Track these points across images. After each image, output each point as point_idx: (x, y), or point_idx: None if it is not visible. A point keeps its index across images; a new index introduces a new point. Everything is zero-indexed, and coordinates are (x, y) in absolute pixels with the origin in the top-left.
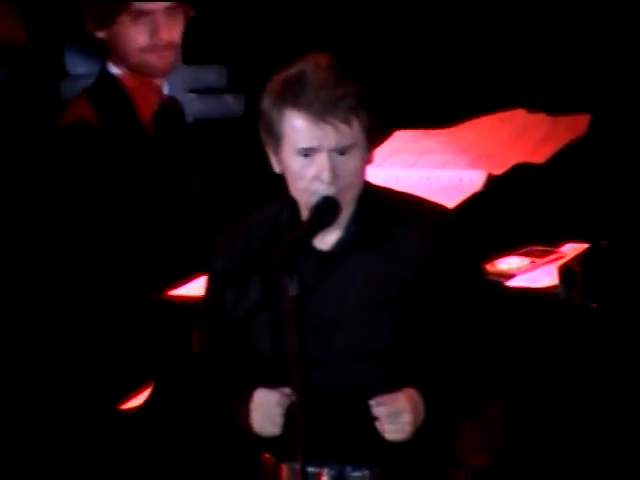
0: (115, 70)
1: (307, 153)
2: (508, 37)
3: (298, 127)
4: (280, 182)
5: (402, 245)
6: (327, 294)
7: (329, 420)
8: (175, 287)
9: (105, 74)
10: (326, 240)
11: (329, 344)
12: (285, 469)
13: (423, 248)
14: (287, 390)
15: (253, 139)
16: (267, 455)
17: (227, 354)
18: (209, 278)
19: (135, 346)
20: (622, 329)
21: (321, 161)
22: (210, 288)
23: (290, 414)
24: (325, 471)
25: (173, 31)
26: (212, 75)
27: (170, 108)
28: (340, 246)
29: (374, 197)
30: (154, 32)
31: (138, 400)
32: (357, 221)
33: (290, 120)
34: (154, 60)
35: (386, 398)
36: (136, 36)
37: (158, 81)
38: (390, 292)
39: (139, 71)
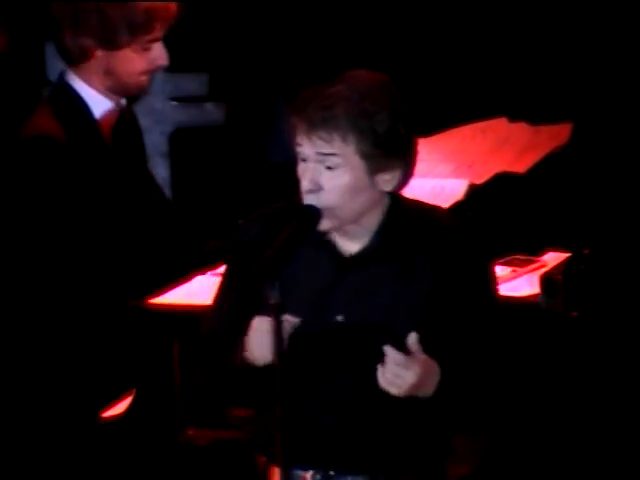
0: (76, 81)
1: (302, 159)
2: (489, 47)
3: (297, 134)
4: (260, 190)
5: (421, 258)
6: (343, 300)
7: (323, 426)
8: (155, 295)
9: (63, 85)
10: (350, 248)
11: (337, 349)
12: (277, 472)
13: (439, 259)
14: (288, 317)
15: (234, 147)
16: (261, 457)
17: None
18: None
19: (116, 354)
20: (603, 338)
21: (304, 169)
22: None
23: (286, 416)
24: (310, 474)
25: (166, 54)
26: (193, 83)
27: (127, 117)
28: (362, 254)
29: (401, 209)
30: (157, 59)
31: (119, 408)
32: (382, 232)
33: (294, 126)
34: (146, 83)
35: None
36: (140, 62)
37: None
38: (406, 303)
39: (126, 92)
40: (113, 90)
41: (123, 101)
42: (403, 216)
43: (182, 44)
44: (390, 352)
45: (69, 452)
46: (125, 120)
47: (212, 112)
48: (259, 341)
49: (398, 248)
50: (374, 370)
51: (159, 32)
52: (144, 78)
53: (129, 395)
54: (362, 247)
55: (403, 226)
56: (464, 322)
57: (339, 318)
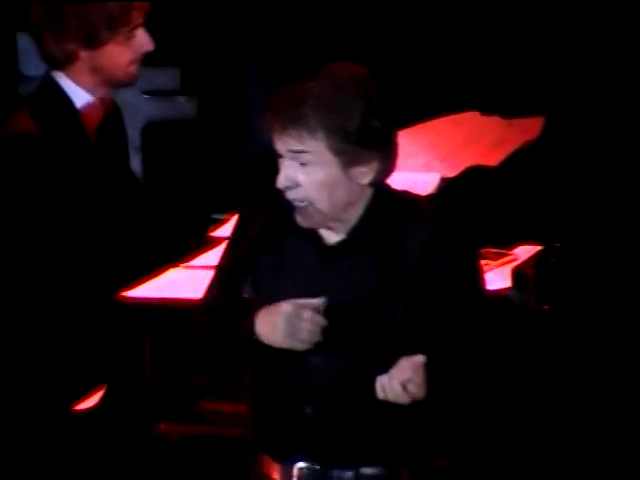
0: (63, 79)
1: (279, 156)
2: (461, 40)
3: (271, 131)
4: (232, 184)
5: (403, 249)
6: (326, 289)
7: (306, 415)
8: (127, 289)
9: (49, 85)
10: (334, 237)
11: (320, 340)
12: (279, 468)
13: (422, 248)
14: (298, 301)
15: (206, 141)
16: (264, 454)
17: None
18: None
19: (88, 348)
20: (575, 332)
21: (279, 165)
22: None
23: (287, 413)
24: (297, 467)
25: (149, 37)
26: (165, 77)
27: (112, 113)
28: (345, 243)
29: (385, 199)
30: (143, 45)
31: (91, 402)
32: (365, 221)
33: (269, 123)
34: (136, 70)
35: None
36: (127, 52)
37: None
38: (386, 294)
39: (116, 84)
40: (104, 85)
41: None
42: (386, 205)
43: (154, 38)
44: (403, 362)
45: (40, 445)
46: (110, 118)
47: (184, 106)
48: (269, 320)
49: (380, 236)
50: (356, 359)
51: (138, 20)
52: (132, 68)
53: (100, 389)
54: (345, 236)
55: (386, 215)
56: (449, 309)
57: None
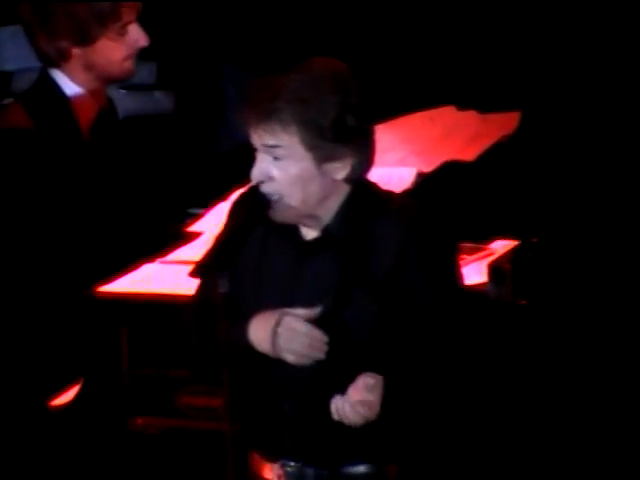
0: (59, 76)
1: (255, 149)
2: (437, 34)
3: (247, 125)
4: (209, 178)
5: (375, 248)
6: (303, 287)
7: (284, 414)
8: (104, 284)
9: (44, 80)
10: (310, 234)
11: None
12: (267, 466)
13: (396, 248)
14: (289, 310)
15: (183, 135)
16: (255, 453)
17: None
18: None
19: (64, 342)
20: (552, 327)
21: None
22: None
23: (267, 412)
24: (277, 466)
25: (144, 33)
26: (142, 72)
27: (107, 110)
28: (321, 239)
29: (362, 196)
30: (137, 40)
31: (67, 396)
32: (341, 217)
33: (245, 117)
34: (131, 66)
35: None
36: (120, 48)
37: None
38: (359, 290)
39: (112, 80)
40: (99, 81)
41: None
42: (363, 203)
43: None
44: (363, 378)
45: (17, 441)
46: (105, 115)
47: (161, 100)
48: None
49: (353, 234)
50: (330, 358)
51: (130, 15)
52: (127, 63)
53: (77, 383)
54: (320, 233)
55: (361, 213)
56: (420, 313)
57: (300, 305)
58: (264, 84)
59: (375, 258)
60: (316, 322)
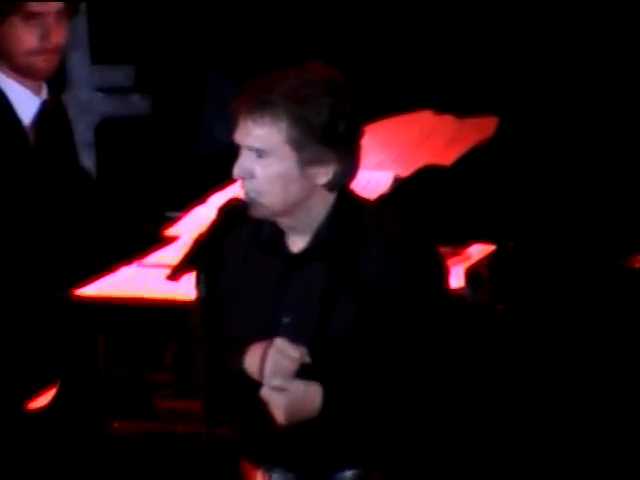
0: None
1: (238, 146)
2: (415, 38)
3: (236, 119)
4: (186, 181)
5: (359, 263)
6: (287, 298)
7: (267, 423)
8: (81, 287)
9: None
10: (297, 244)
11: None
12: (256, 473)
13: (380, 266)
14: (281, 342)
15: (160, 138)
16: (245, 460)
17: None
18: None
19: (41, 345)
20: (529, 331)
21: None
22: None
23: (259, 418)
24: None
25: (62, 34)
26: (119, 74)
27: (51, 108)
28: (306, 252)
29: (347, 207)
30: (45, 35)
31: (44, 400)
32: (325, 229)
33: (235, 110)
34: (40, 63)
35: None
36: (26, 38)
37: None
38: (342, 306)
39: (23, 73)
40: (13, 71)
41: (44, 93)
42: (349, 215)
43: (109, 36)
44: (265, 390)
45: None
46: (49, 112)
47: (138, 103)
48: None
49: (339, 247)
50: (316, 364)
51: (40, 6)
52: (37, 59)
53: (54, 387)
54: (307, 244)
55: (347, 225)
56: (398, 331)
57: (285, 320)
58: (261, 78)
59: (357, 273)
60: (302, 332)
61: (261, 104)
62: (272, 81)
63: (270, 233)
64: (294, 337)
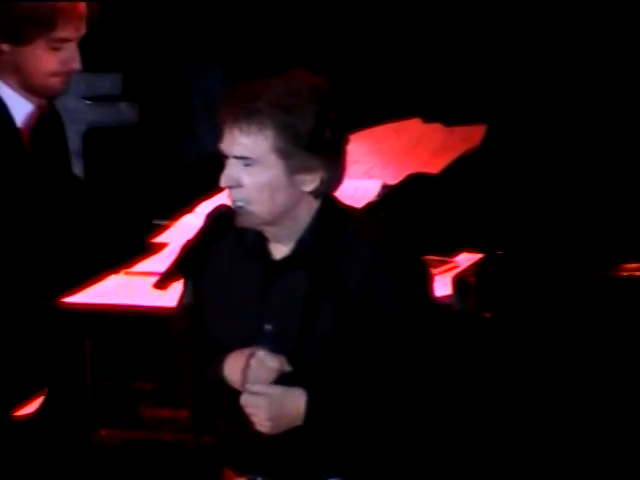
0: None
1: (225, 156)
2: (404, 46)
3: (222, 128)
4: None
5: (344, 267)
6: (269, 305)
7: (249, 431)
8: (68, 295)
9: None
10: (280, 250)
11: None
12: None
13: (363, 273)
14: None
15: (147, 147)
16: (228, 468)
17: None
18: None
19: (28, 353)
20: (516, 339)
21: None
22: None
23: (242, 426)
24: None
25: (79, 58)
26: (107, 83)
27: (48, 117)
28: (288, 258)
29: (331, 214)
30: (69, 60)
31: (31, 407)
32: (308, 235)
33: (221, 120)
34: (57, 85)
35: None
36: (48, 61)
37: None
38: (323, 314)
39: (35, 91)
40: (26, 89)
41: (43, 101)
42: (332, 222)
43: (96, 44)
44: (244, 396)
45: None
46: (46, 120)
47: (126, 112)
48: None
49: (322, 253)
50: (298, 379)
51: (69, 32)
52: (55, 80)
53: (41, 394)
54: (290, 251)
55: (331, 232)
56: (380, 340)
57: (268, 327)
58: (246, 87)
59: (340, 280)
60: (284, 339)
61: (247, 113)
62: (257, 90)
63: (254, 240)
64: (276, 345)
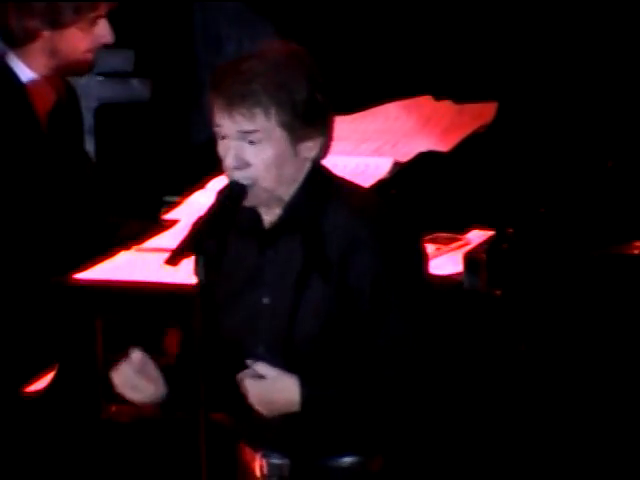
0: (16, 63)
1: (222, 137)
2: (415, 24)
3: (215, 111)
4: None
5: (327, 231)
6: (268, 280)
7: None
8: (79, 271)
9: (2, 67)
10: (268, 220)
11: (257, 331)
12: (254, 457)
13: (342, 243)
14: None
15: (159, 123)
16: (242, 444)
17: None
18: None
19: (39, 330)
20: (526, 317)
21: (225, 146)
22: None
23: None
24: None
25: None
26: (119, 59)
27: (66, 99)
28: (276, 226)
29: (318, 180)
30: (103, 35)
31: (41, 384)
32: (295, 202)
33: (212, 103)
34: (91, 59)
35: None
36: (87, 39)
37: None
38: (313, 283)
39: (69, 70)
40: (57, 70)
41: (60, 81)
42: (318, 188)
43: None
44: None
45: None
46: (63, 102)
47: (137, 88)
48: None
49: (307, 219)
50: (299, 352)
51: (104, 8)
52: (89, 55)
53: (51, 370)
54: (277, 219)
55: (316, 197)
56: (377, 307)
57: (265, 300)
58: (229, 69)
59: (323, 245)
60: (285, 315)
61: (245, 98)
62: (244, 71)
63: (248, 215)
64: (272, 318)
